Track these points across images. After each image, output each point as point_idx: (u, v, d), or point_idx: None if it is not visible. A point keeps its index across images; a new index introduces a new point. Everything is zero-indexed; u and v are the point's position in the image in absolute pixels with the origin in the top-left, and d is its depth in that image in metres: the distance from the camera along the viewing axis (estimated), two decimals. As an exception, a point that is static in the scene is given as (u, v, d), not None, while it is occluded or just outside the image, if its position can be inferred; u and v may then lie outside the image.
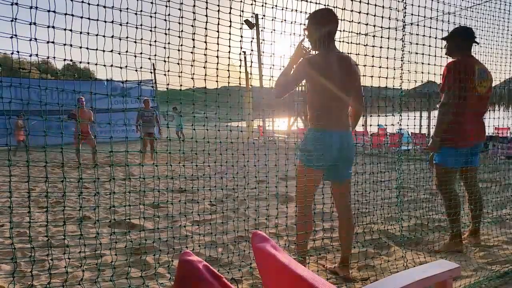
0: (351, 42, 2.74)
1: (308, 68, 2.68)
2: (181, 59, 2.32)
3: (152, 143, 10.39)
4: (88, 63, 2.01)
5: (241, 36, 2.49)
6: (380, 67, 2.85)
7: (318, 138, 2.70)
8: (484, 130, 3.56)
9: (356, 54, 2.74)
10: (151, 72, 2.43)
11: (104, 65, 2.11)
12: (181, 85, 2.38)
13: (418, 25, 3.00)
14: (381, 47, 2.86)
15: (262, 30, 2.61)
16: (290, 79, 2.70)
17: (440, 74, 3.31)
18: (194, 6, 2.25)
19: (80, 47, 1.96)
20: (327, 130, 2.70)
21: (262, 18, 2.55)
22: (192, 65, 2.34)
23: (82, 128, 9.35)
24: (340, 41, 2.75)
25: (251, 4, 2.52)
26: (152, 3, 2.17)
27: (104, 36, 2.00)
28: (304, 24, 2.75)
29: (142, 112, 10.66)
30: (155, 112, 11.04)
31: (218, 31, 2.36)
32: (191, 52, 2.31)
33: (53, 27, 1.86)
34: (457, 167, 3.40)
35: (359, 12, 2.69)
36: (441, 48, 3.29)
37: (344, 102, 2.79)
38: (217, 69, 2.47)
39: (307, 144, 2.75)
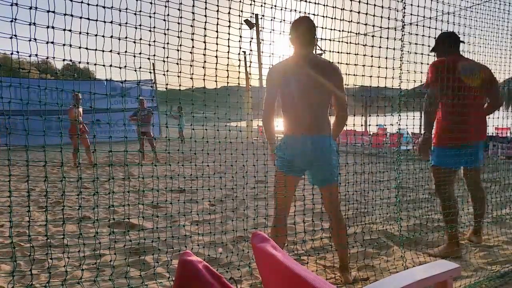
0: (351, 42, 2.75)
1: (271, 77, 2.71)
2: (180, 59, 2.32)
3: (152, 143, 10.37)
4: (88, 63, 2.01)
5: (240, 36, 2.50)
6: (379, 67, 2.85)
7: (289, 144, 2.71)
8: (484, 128, 3.50)
9: (356, 54, 2.74)
10: (150, 72, 2.43)
11: (104, 65, 2.11)
12: (180, 85, 2.38)
13: (417, 25, 3.00)
14: (380, 47, 2.86)
15: (261, 30, 2.62)
16: (265, 98, 2.75)
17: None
18: (193, 6, 2.26)
19: (80, 47, 1.96)
20: (298, 134, 2.69)
21: (261, 18, 2.55)
22: (191, 65, 2.34)
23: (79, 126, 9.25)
24: (339, 41, 2.75)
25: (250, 4, 2.52)
26: (151, 3, 2.17)
27: (103, 36, 2.00)
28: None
29: (138, 111, 10.63)
30: (151, 112, 10.99)
31: (217, 31, 2.37)
32: (190, 52, 2.31)
33: (52, 27, 1.86)
34: (455, 167, 3.37)
35: (359, 12, 2.70)
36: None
37: (319, 105, 2.73)
38: (216, 69, 2.47)
39: (279, 150, 2.77)
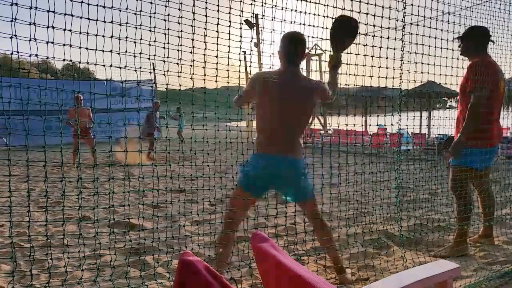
0: (351, 42, 2.74)
1: (254, 81, 2.65)
2: (181, 59, 2.32)
3: (152, 144, 10.45)
4: (88, 63, 2.01)
5: (241, 36, 2.49)
6: (379, 67, 2.85)
7: (259, 161, 2.63)
8: (502, 131, 3.59)
9: (356, 54, 2.74)
10: (150, 72, 2.43)
11: (104, 65, 2.11)
12: (180, 85, 2.38)
13: (417, 25, 3.00)
14: (380, 47, 2.86)
15: (261, 30, 2.61)
16: (242, 94, 2.72)
17: (440, 74, 3.30)
18: (193, 6, 2.25)
19: (80, 47, 1.96)
20: (271, 153, 2.61)
21: (262, 18, 2.55)
22: (191, 65, 2.33)
23: (81, 126, 9.28)
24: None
25: (251, 4, 2.52)
26: (151, 3, 2.17)
27: (103, 36, 2.00)
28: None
29: (152, 114, 10.75)
30: (157, 113, 11.13)
31: (217, 31, 2.36)
32: (191, 52, 2.31)
33: (52, 27, 1.86)
34: (481, 168, 3.36)
35: (359, 12, 2.69)
36: (441, 48, 3.29)
37: (296, 126, 2.71)
38: (216, 69, 2.47)
39: (246, 167, 2.68)
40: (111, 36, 2.03)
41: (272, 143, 2.62)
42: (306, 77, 2.76)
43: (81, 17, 1.94)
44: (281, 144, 2.61)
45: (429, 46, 3.09)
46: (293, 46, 2.67)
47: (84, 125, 9.35)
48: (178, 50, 2.28)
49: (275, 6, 2.53)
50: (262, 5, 2.54)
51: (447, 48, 3.30)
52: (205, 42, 2.34)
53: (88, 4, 1.96)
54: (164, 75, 2.30)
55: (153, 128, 10.78)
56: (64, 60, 1.96)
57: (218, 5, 2.33)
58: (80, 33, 1.95)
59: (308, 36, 2.70)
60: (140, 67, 2.18)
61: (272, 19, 2.53)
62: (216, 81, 2.58)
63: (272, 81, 2.58)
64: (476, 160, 3.28)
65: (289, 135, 2.65)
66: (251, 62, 2.87)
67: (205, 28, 2.32)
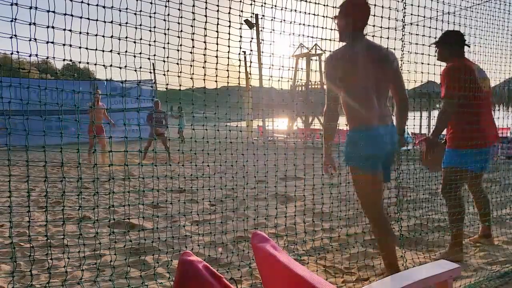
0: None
1: (330, 68, 2.56)
2: (181, 59, 2.32)
3: (165, 143, 10.47)
4: (88, 63, 2.02)
5: (241, 36, 2.50)
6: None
7: (367, 135, 2.50)
8: (496, 131, 3.54)
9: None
10: (150, 72, 2.43)
11: (104, 65, 2.11)
12: (180, 85, 2.38)
13: (417, 25, 3.00)
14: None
15: (261, 30, 2.62)
16: (327, 92, 2.57)
17: (440, 74, 3.29)
18: (193, 6, 2.26)
19: (80, 47, 1.97)
20: (375, 125, 2.50)
21: (262, 18, 2.55)
22: (191, 65, 2.34)
23: (96, 125, 9.06)
24: (340, 41, 2.74)
25: (251, 4, 2.52)
26: (151, 3, 2.17)
27: (103, 36, 2.00)
28: (334, 17, 2.66)
29: (152, 113, 10.73)
30: (164, 113, 11.11)
31: (217, 31, 2.37)
32: (191, 52, 2.32)
33: (52, 27, 1.86)
34: (476, 170, 3.32)
35: (359, 12, 2.69)
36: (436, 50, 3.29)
37: (381, 92, 2.58)
38: (216, 69, 2.47)
39: (352, 147, 2.56)
40: (111, 36, 2.03)
41: (373, 114, 2.51)
42: (375, 42, 2.64)
43: (81, 17, 1.95)
44: (377, 113, 2.52)
45: (429, 46, 3.09)
46: (356, 15, 2.56)
47: (98, 125, 9.22)
48: (178, 50, 2.28)
49: (275, 6, 2.54)
50: (262, 5, 2.54)
51: (447, 48, 3.29)
52: (205, 42, 2.35)
53: (88, 4, 1.96)
54: (164, 75, 2.31)
55: (164, 128, 10.79)
56: (64, 60, 1.96)
57: (218, 5, 2.33)
58: (80, 33, 1.96)
59: (308, 36, 2.70)
60: (140, 67, 2.18)
61: (272, 19, 2.53)
62: (216, 81, 2.58)
63: (343, 58, 2.51)
64: (470, 161, 3.26)
65: (378, 102, 2.54)
66: (251, 62, 2.85)
67: (205, 28, 2.32)
